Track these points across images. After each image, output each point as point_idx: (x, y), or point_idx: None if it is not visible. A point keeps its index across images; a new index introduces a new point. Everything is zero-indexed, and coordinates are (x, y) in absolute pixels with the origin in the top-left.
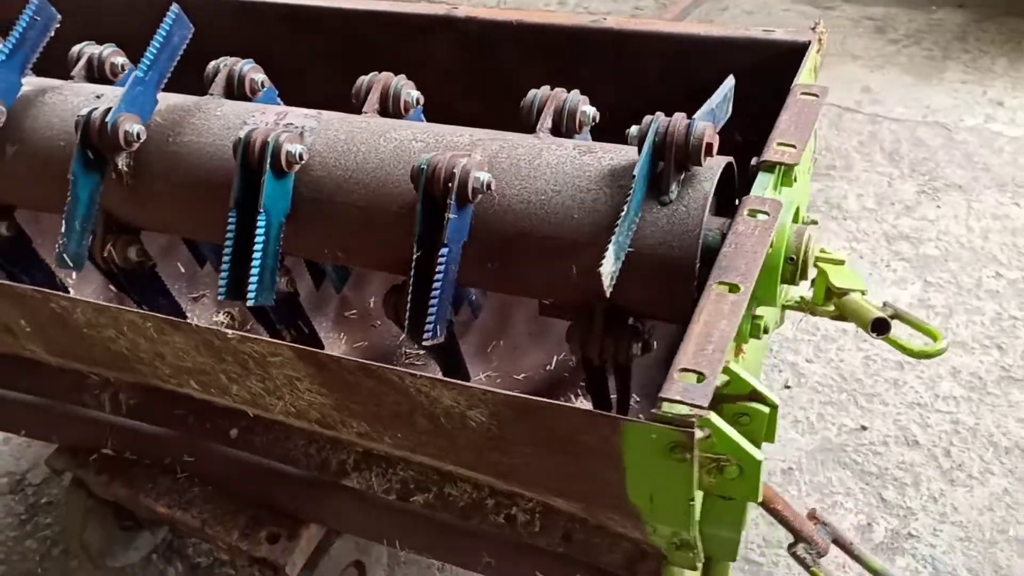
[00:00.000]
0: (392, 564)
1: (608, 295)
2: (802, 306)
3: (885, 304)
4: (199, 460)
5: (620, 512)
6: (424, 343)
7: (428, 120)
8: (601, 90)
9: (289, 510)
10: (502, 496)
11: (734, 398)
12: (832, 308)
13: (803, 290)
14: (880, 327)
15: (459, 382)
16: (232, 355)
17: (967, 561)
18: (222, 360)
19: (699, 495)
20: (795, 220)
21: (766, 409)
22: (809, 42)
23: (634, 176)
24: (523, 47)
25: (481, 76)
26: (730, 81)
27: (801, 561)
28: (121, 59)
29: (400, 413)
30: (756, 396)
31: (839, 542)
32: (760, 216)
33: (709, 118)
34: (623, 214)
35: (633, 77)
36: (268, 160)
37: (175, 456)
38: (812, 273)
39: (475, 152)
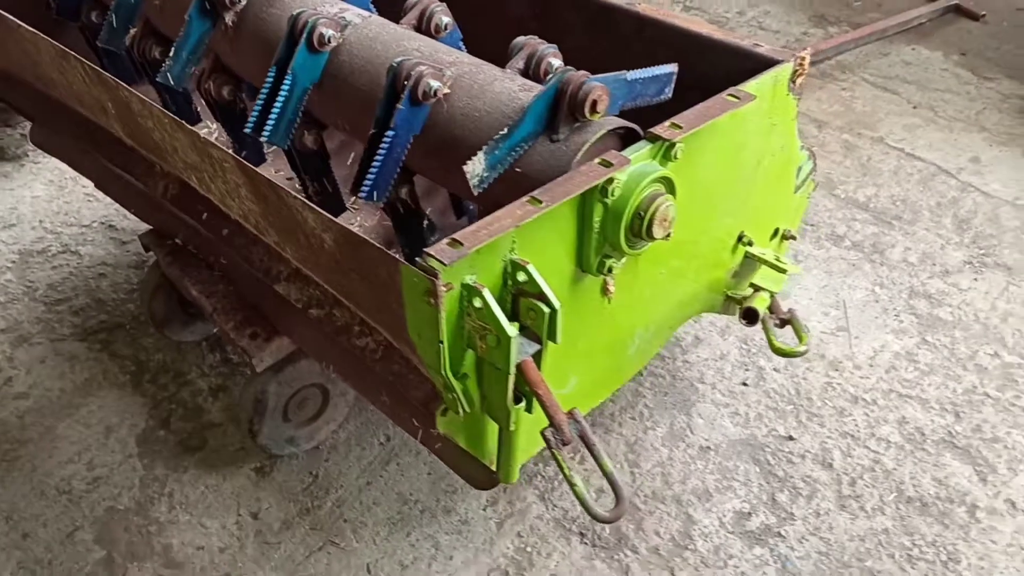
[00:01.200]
0: (359, 406)
1: (475, 195)
2: (736, 298)
3: (790, 310)
4: (212, 252)
5: (407, 345)
6: (359, 198)
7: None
8: (623, 63)
9: (251, 300)
10: (365, 327)
11: (529, 294)
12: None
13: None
14: (749, 316)
15: (316, 207)
16: (207, 157)
17: (815, 572)
18: (203, 159)
19: (450, 342)
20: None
21: (547, 309)
22: (781, 60)
23: (526, 109)
24: (575, 12)
25: (542, 29)
26: (670, 67)
27: (547, 441)
28: None
29: (292, 228)
30: (542, 297)
31: (584, 439)
32: (609, 168)
33: (620, 87)
34: (502, 133)
35: (649, 58)
36: (304, 35)
37: (197, 243)
38: (659, 233)
39: (448, 69)
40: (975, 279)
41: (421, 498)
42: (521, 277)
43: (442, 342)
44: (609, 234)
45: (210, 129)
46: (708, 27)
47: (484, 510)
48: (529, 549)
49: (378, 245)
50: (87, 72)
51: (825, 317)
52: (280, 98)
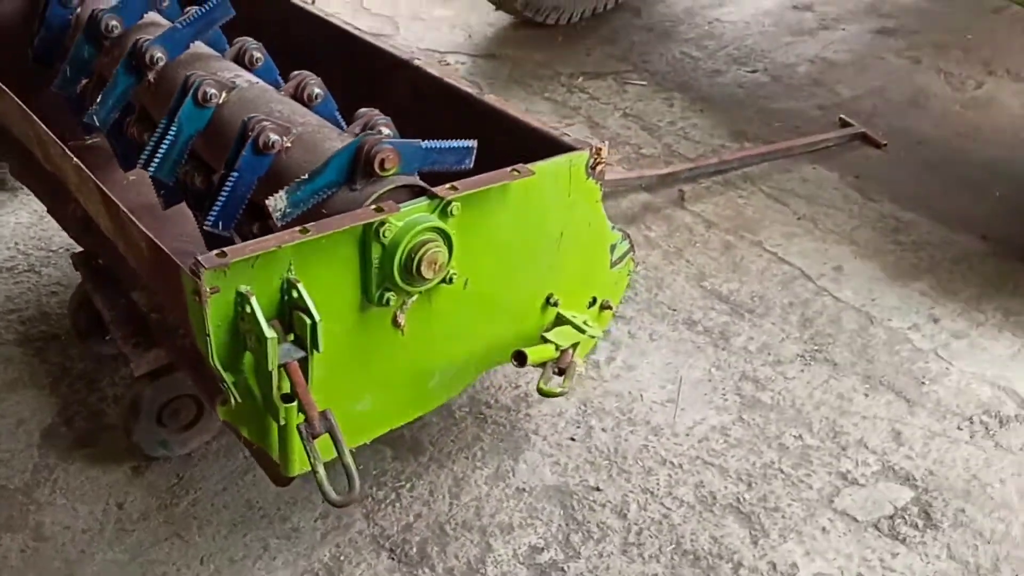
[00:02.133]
0: None
1: (279, 227)
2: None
3: (574, 361)
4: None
5: (194, 337)
6: (205, 227)
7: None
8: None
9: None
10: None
11: (299, 308)
12: None
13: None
14: (519, 359)
15: (141, 226)
16: (79, 178)
17: None
18: (80, 180)
19: (221, 339)
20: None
21: (308, 320)
22: (573, 148)
23: (328, 161)
24: (443, 99)
25: (418, 111)
26: (469, 142)
27: (300, 434)
28: None
29: (129, 241)
30: (306, 311)
31: (332, 433)
32: (380, 213)
33: (415, 152)
34: (303, 177)
35: (488, 138)
36: (191, 92)
37: (104, 260)
38: (428, 274)
39: (296, 128)
40: (802, 370)
41: (265, 506)
42: (294, 294)
43: (208, 335)
44: (386, 270)
45: None
46: (531, 117)
47: (315, 521)
48: (342, 558)
49: (168, 252)
50: (14, 107)
51: (661, 390)
52: (167, 141)
